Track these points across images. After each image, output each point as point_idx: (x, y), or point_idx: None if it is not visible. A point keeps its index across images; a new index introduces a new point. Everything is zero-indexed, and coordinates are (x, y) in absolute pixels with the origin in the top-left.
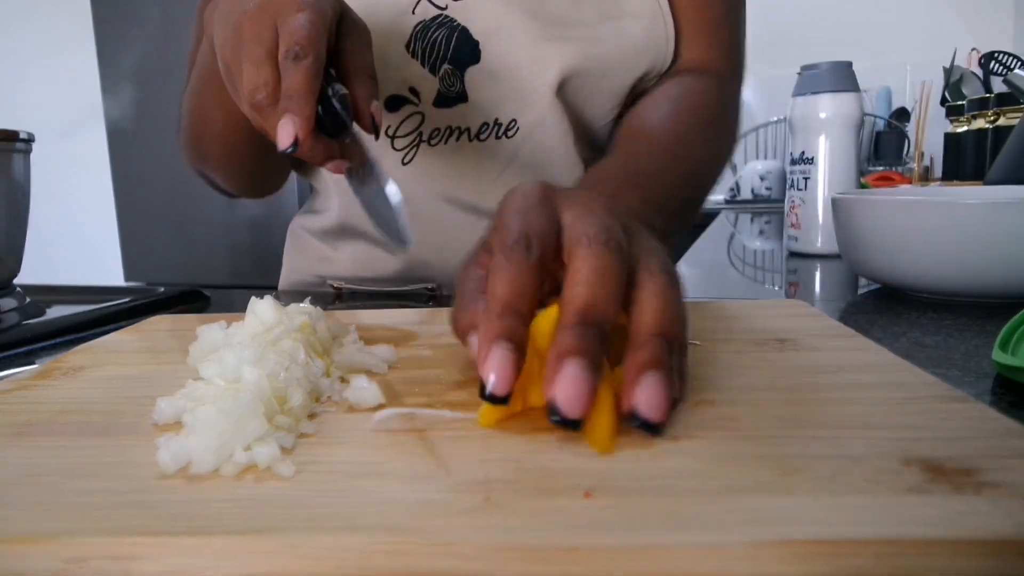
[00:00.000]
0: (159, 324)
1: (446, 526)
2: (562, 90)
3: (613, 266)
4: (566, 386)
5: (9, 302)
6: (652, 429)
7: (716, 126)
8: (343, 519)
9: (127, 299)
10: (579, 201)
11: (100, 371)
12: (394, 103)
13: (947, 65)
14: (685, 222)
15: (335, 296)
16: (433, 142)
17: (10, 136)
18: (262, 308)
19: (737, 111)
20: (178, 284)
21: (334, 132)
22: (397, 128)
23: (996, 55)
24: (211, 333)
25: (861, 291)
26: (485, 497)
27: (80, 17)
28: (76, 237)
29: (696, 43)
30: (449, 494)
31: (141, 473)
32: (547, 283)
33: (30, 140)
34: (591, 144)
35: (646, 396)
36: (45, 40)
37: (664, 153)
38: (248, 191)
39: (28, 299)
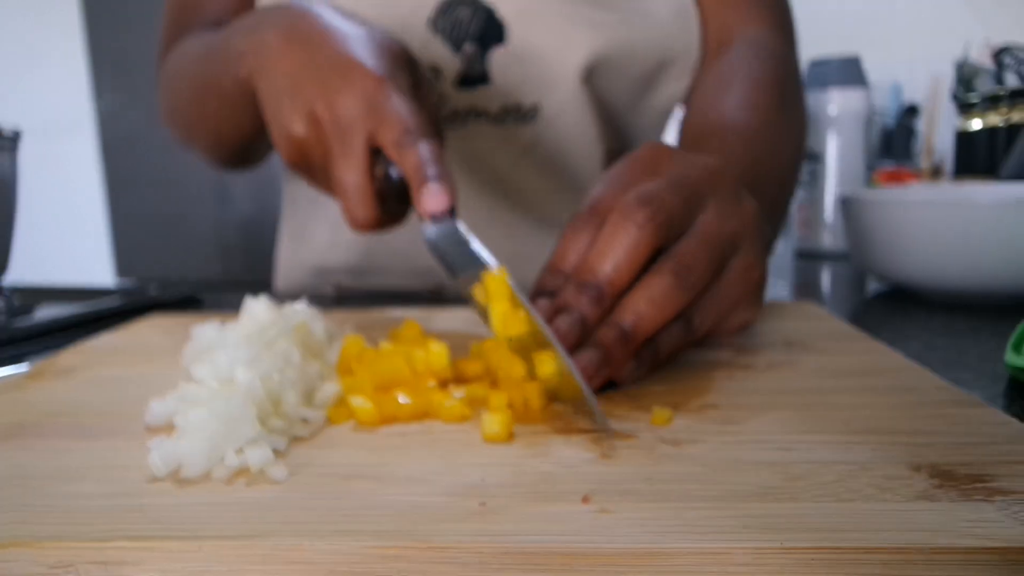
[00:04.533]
0: (151, 325)
1: (441, 530)
2: (589, 75)
3: (629, 244)
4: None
5: None
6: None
7: (791, 109)
8: (336, 523)
9: (116, 300)
10: (676, 169)
11: (91, 372)
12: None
13: (959, 60)
14: (777, 226)
15: (335, 297)
16: (451, 123)
17: None
18: (257, 308)
19: (799, 77)
20: (169, 282)
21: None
22: None
23: (1010, 49)
24: (206, 333)
25: (870, 292)
26: (481, 501)
27: (69, 12)
28: (66, 234)
29: (740, 4)
30: (445, 498)
31: (131, 476)
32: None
33: (16, 137)
34: (613, 131)
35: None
36: (33, 35)
37: (748, 148)
38: (232, 168)
39: (16, 299)
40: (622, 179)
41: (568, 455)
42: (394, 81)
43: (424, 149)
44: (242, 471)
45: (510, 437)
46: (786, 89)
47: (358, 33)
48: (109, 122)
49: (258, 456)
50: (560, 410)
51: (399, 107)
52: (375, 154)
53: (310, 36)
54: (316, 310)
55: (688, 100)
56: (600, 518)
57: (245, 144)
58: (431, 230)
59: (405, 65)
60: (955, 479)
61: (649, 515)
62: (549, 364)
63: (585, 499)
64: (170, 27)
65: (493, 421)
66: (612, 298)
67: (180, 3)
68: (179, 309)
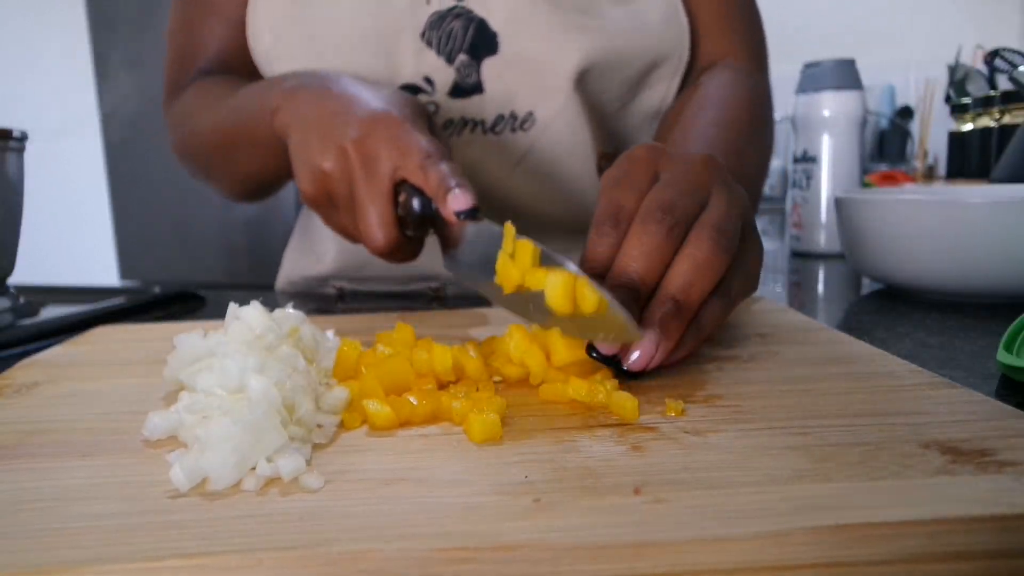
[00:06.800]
0: (108, 335)
1: (506, 529)
2: (581, 80)
3: (655, 245)
4: None
5: (3, 302)
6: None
7: (761, 128)
8: (396, 527)
9: (121, 299)
10: (677, 168)
11: (58, 387)
12: (408, 92)
13: (952, 63)
14: None
15: (337, 297)
16: (446, 133)
17: (3, 135)
18: (251, 314)
19: (771, 103)
20: (173, 283)
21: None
22: None
23: (1002, 52)
24: (191, 342)
25: (864, 291)
26: (534, 498)
27: (74, 14)
28: (71, 236)
29: (719, 37)
30: (496, 497)
31: (150, 492)
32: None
33: (23, 139)
34: (605, 135)
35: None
36: (39, 37)
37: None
38: (244, 201)
39: (22, 299)
40: (630, 182)
41: (600, 449)
42: (415, 124)
43: (445, 166)
44: (271, 482)
45: (500, 439)
46: (758, 112)
47: (383, 92)
48: (113, 123)
49: (291, 465)
50: (579, 405)
51: (420, 139)
52: (396, 187)
53: (340, 94)
54: (301, 314)
55: (670, 118)
56: (657, 508)
57: (266, 183)
58: (453, 254)
59: (423, 116)
60: (964, 454)
61: (703, 503)
62: (592, 298)
63: (637, 491)
64: (174, 65)
65: (480, 424)
66: (647, 289)
67: (183, 42)
68: (181, 304)
